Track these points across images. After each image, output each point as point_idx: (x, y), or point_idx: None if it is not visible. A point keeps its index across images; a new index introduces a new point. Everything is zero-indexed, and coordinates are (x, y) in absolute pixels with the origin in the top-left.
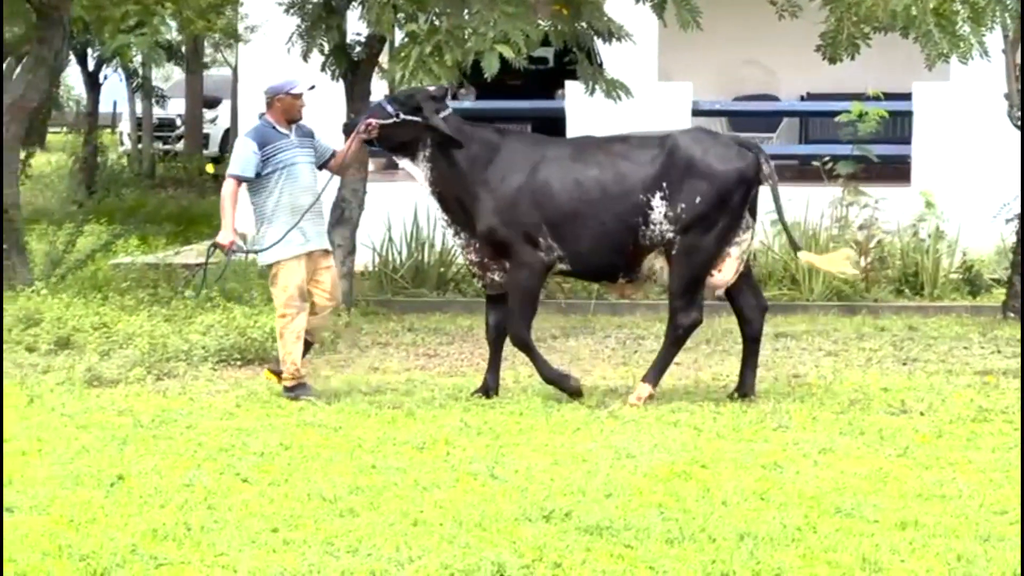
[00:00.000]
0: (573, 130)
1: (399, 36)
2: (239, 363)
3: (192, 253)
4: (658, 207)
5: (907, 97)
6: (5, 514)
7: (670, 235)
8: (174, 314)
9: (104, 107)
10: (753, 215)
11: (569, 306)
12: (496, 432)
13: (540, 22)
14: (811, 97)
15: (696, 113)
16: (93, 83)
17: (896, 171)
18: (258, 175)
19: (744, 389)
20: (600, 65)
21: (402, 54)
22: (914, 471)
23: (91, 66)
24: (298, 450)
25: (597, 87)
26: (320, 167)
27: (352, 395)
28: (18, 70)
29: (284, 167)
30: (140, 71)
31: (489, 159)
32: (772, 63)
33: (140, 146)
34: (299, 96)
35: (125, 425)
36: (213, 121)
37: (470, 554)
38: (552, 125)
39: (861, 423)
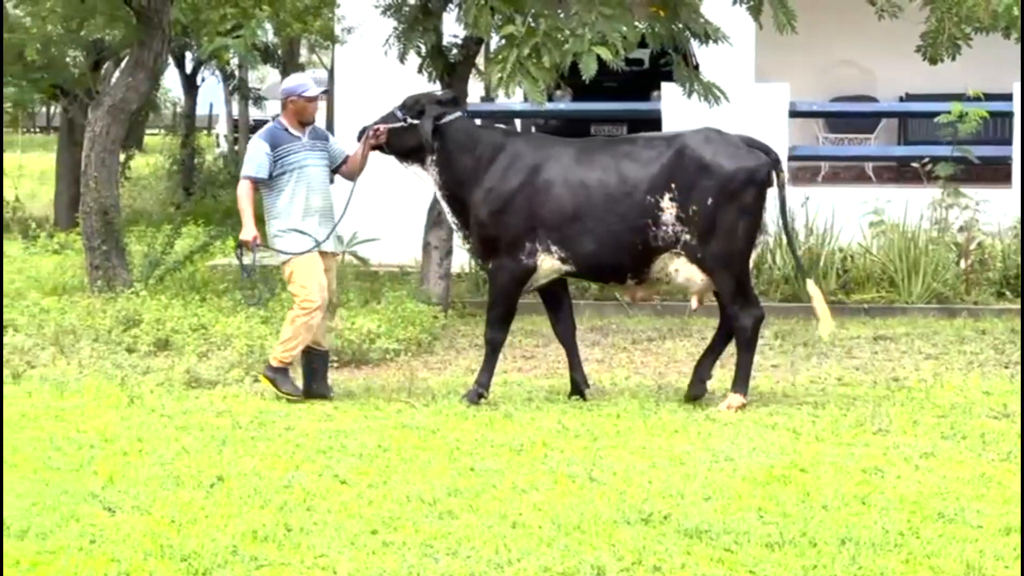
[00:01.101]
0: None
1: (495, 38)
2: (336, 365)
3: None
4: (668, 208)
5: (1008, 98)
6: (107, 514)
7: (686, 237)
8: (271, 315)
9: (201, 109)
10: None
11: (665, 308)
12: (594, 434)
13: (637, 24)
14: (910, 98)
15: (793, 114)
16: (190, 85)
17: (997, 172)
18: (270, 176)
19: (699, 380)
20: (696, 67)
21: (499, 56)
22: (1017, 476)
23: (188, 68)
24: (396, 452)
25: (693, 90)
26: (333, 171)
27: (449, 397)
28: (116, 73)
29: (295, 169)
30: (236, 73)
31: (493, 159)
32: (870, 63)
33: (236, 148)
34: (312, 99)
35: (224, 426)
36: None
37: (569, 557)
38: (648, 126)
39: (963, 427)
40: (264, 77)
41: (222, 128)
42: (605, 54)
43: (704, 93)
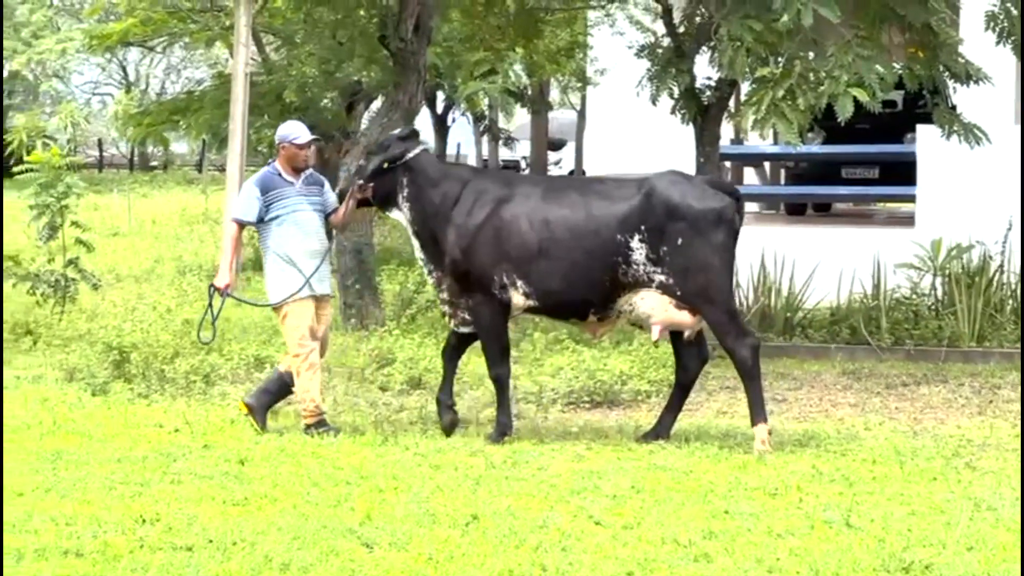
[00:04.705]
0: (924, 174)
1: (748, 80)
2: (588, 405)
3: None
4: (638, 248)
5: None
6: (366, 550)
7: (661, 277)
8: (523, 356)
9: (448, 148)
10: None
11: (918, 352)
12: (849, 480)
13: (895, 64)
14: None
15: None
16: (441, 125)
17: None
18: (262, 220)
19: (659, 432)
20: (954, 108)
21: (754, 98)
22: None
23: (439, 109)
24: (649, 493)
25: (953, 131)
26: (326, 217)
27: (702, 439)
28: (366, 113)
29: (287, 213)
30: (487, 114)
31: (458, 196)
32: None
33: None
34: (302, 146)
35: (477, 465)
36: (557, 163)
37: None
38: (901, 169)
39: None
40: (513, 118)
41: None
42: (862, 95)
43: (964, 135)
